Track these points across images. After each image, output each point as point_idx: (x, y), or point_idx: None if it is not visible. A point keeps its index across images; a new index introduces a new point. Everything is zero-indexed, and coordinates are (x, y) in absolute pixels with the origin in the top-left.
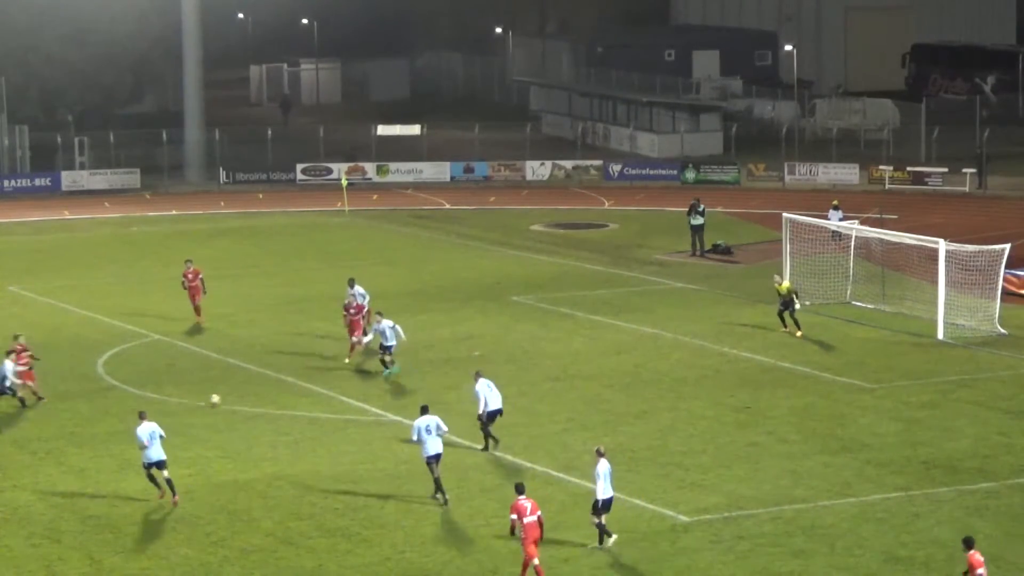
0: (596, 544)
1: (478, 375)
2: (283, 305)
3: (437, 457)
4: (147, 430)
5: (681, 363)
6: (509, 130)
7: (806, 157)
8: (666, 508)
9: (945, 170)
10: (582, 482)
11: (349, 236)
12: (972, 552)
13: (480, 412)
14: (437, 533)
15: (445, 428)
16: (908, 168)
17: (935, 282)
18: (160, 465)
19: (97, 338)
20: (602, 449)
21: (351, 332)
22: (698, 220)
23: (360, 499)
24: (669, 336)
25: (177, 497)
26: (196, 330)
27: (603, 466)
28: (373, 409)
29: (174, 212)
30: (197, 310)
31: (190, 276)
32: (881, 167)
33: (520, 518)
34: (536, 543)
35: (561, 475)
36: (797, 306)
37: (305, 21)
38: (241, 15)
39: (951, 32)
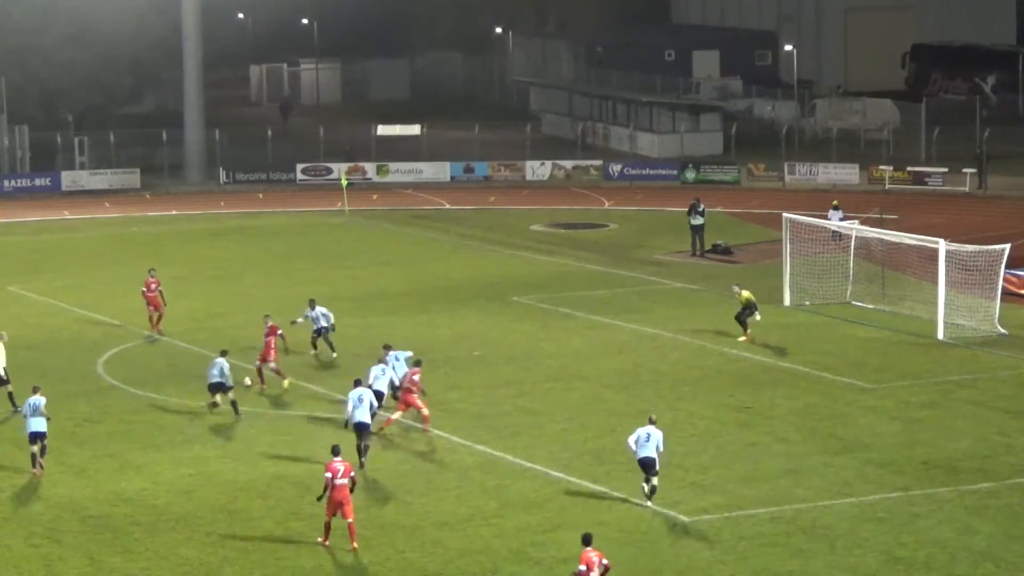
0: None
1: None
2: (283, 305)
3: (365, 426)
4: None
5: (681, 363)
6: (509, 130)
7: (806, 157)
8: (666, 508)
9: (945, 170)
10: (582, 482)
11: (349, 236)
12: (587, 549)
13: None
14: (437, 533)
15: (376, 405)
16: (908, 168)
17: (935, 282)
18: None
19: (97, 338)
20: (653, 417)
21: (265, 358)
22: (698, 220)
23: (360, 499)
24: (669, 336)
25: (41, 469)
26: (154, 338)
27: (643, 430)
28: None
29: (174, 212)
30: (158, 319)
31: (152, 286)
32: (881, 167)
33: (333, 478)
34: (339, 505)
35: (561, 475)
36: (757, 318)
37: (305, 21)
38: (241, 15)
39: (951, 32)
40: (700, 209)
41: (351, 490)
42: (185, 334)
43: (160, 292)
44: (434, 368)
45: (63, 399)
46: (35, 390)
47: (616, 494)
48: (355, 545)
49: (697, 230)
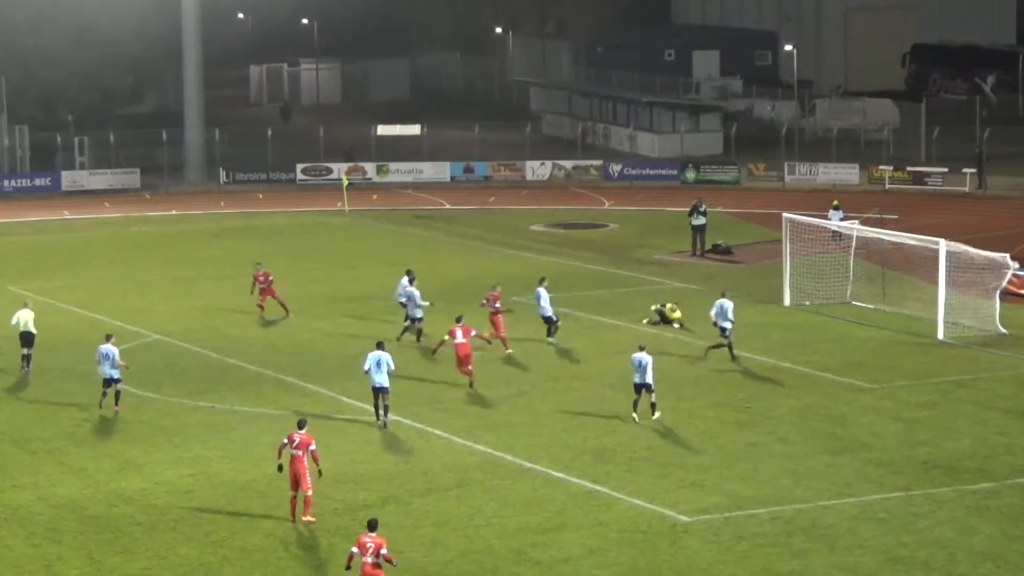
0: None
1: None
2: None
3: (382, 389)
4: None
5: (681, 363)
6: (509, 130)
7: (806, 157)
8: (666, 508)
9: (945, 170)
10: (582, 482)
11: (349, 236)
12: (365, 533)
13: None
14: (437, 533)
15: (392, 366)
16: (908, 168)
17: (935, 282)
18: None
19: (97, 338)
20: (643, 344)
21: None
22: (699, 220)
23: (360, 499)
24: (669, 336)
25: (118, 407)
26: (287, 321)
27: (636, 356)
28: (373, 409)
29: (174, 212)
30: (283, 306)
31: (260, 279)
32: (881, 167)
33: (287, 445)
34: (296, 478)
35: (561, 475)
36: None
37: (305, 21)
38: (241, 15)
39: (951, 32)
40: (702, 209)
41: (319, 473)
42: (185, 334)
43: (270, 282)
44: (434, 368)
45: (63, 399)
46: (108, 338)
47: (616, 494)
48: (308, 517)
49: (698, 230)
